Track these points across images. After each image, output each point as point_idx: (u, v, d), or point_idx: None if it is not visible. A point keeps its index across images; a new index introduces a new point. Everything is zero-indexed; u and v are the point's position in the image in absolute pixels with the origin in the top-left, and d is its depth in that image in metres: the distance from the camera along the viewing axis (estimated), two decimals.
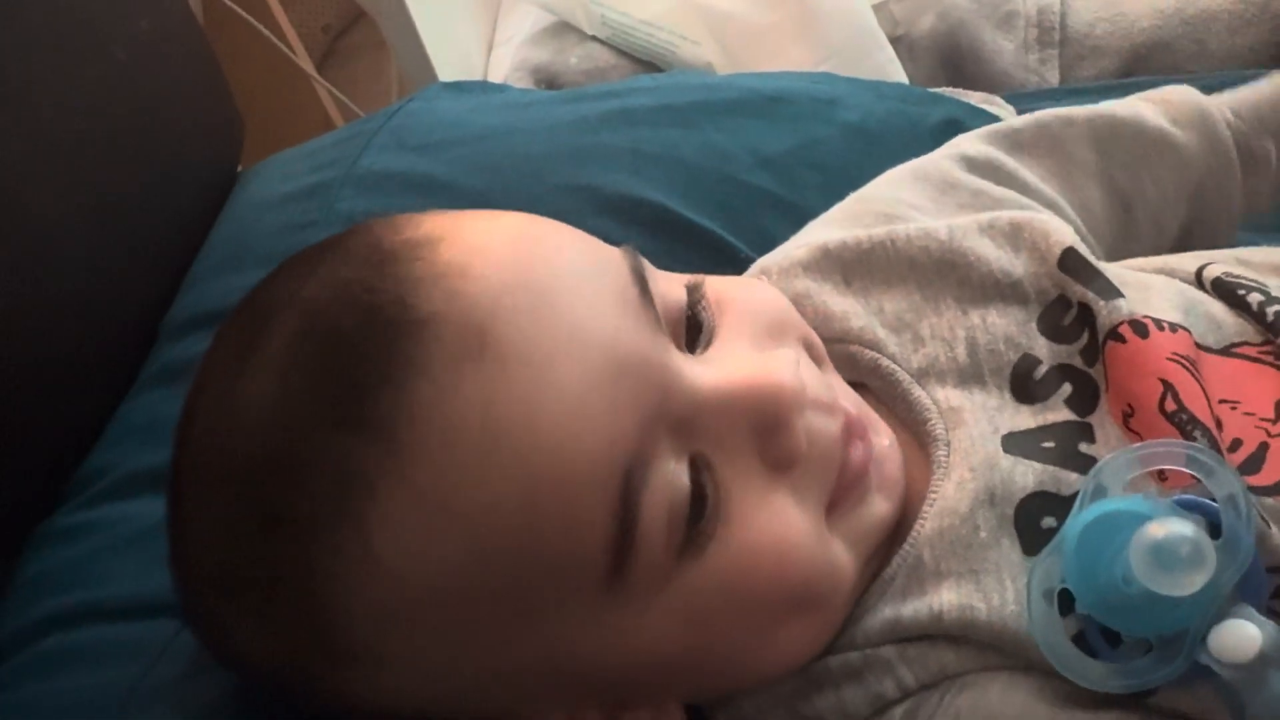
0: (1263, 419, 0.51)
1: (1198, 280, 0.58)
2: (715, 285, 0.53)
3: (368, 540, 0.44)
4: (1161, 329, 0.52)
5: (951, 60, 1.05)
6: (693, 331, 0.51)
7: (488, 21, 1.33)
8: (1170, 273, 0.59)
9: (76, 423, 0.73)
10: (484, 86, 0.94)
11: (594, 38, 1.17)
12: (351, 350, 0.45)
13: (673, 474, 0.46)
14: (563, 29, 1.20)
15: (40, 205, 0.71)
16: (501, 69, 1.22)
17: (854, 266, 0.58)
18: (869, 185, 0.65)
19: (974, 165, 0.64)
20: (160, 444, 0.60)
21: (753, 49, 1.04)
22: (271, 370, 0.46)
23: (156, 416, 0.70)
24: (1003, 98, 0.86)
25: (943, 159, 0.65)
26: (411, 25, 1.15)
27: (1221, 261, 0.59)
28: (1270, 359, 0.54)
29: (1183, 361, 0.51)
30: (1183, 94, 0.69)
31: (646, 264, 0.51)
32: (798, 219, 0.65)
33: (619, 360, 0.46)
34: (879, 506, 0.51)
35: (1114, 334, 0.52)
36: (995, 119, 0.77)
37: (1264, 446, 0.51)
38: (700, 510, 0.47)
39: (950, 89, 0.89)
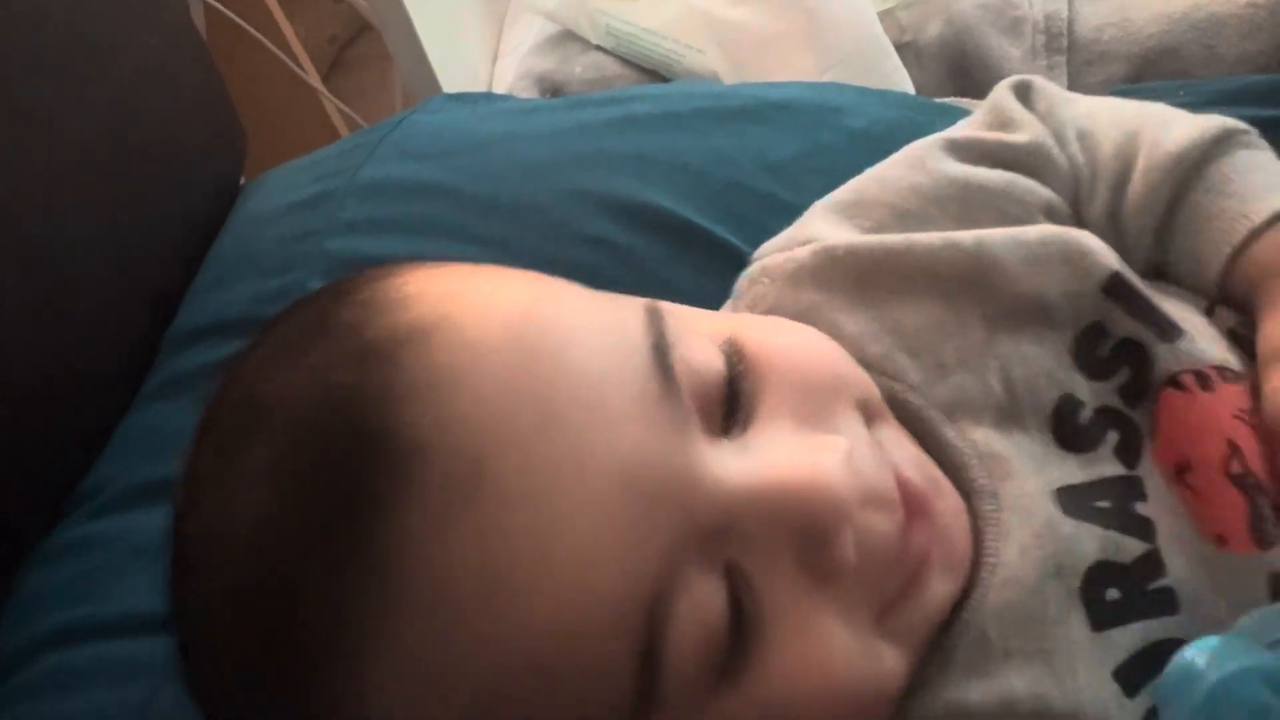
0: None
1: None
2: (757, 339, 0.46)
3: (359, 695, 0.39)
4: (1225, 379, 0.48)
5: (959, 66, 1.04)
6: (731, 401, 0.45)
7: (492, 32, 1.32)
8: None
9: (79, 437, 0.73)
10: (487, 97, 0.93)
11: (599, 47, 1.17)
12: (340, 475, 0.39)
13: (703, 597, 0.41)
14: (567, 38, 1.20)
15: (44, 220, 0.71)
16: (506, 79, 1.22)
17: (868, 275, 0.53)
18: (884, 165, 0.59)
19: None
20: (161, 457, 0.59)
21: (758, 58, 1.03)
22: (260, 485, 0.41)
23: (158, 430, 0.71)
24: None
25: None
26: (415, 37, 1.15)
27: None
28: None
29: (1245, 418, 0.47)
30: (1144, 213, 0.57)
31: (671, 325, 0.44)
32: None
33: (635, 480, 0.40)
34: (941, 591, 0.45)
35: (1174, 381, 0.48)
36: None
37: None
38: (736, 630, 0.41)
39: (956, 99, 0.89)
